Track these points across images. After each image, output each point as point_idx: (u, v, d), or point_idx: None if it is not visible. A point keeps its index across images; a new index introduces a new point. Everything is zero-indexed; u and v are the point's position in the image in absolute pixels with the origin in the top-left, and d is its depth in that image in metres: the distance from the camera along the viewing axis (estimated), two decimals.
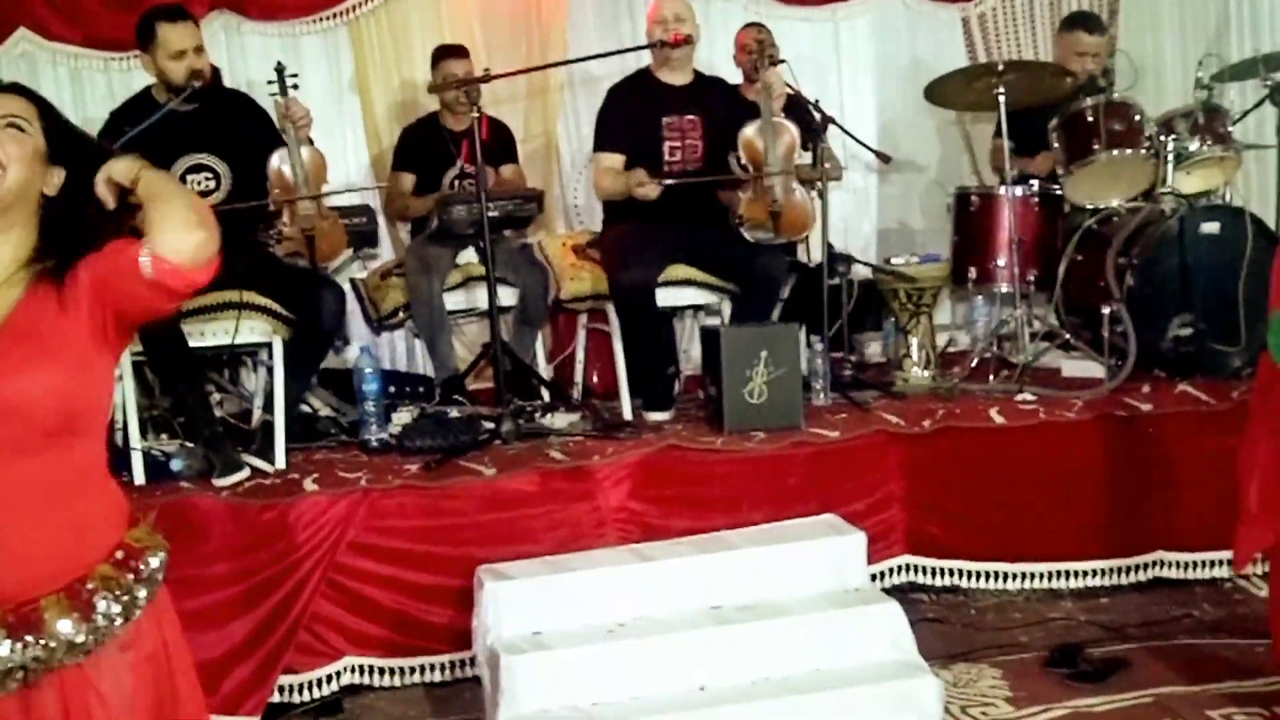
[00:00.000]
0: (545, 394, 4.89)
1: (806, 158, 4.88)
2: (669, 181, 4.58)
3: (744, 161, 4.69)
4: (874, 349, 5.72)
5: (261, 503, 3.82)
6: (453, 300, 4.92)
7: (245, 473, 3.98)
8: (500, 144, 5.32)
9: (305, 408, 4.71)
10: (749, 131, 4.69)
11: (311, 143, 4.36)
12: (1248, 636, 3.92)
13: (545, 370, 5.21)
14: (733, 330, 4.39)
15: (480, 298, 4.73)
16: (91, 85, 5.52)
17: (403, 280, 4.94)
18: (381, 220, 5.48)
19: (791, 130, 4.74)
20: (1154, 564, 4.37)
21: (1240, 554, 3.49)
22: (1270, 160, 5.40)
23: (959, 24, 6.43)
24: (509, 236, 5.17)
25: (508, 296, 4.97)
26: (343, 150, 5.81)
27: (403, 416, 4.58)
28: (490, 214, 4.54)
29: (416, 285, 4.87)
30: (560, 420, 4.47)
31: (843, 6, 6.31)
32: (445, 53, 5.18)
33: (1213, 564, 4.34)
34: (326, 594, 3.82)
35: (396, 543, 3.87)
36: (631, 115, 4.82)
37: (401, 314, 5.03)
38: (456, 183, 5.23)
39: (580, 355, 5.25)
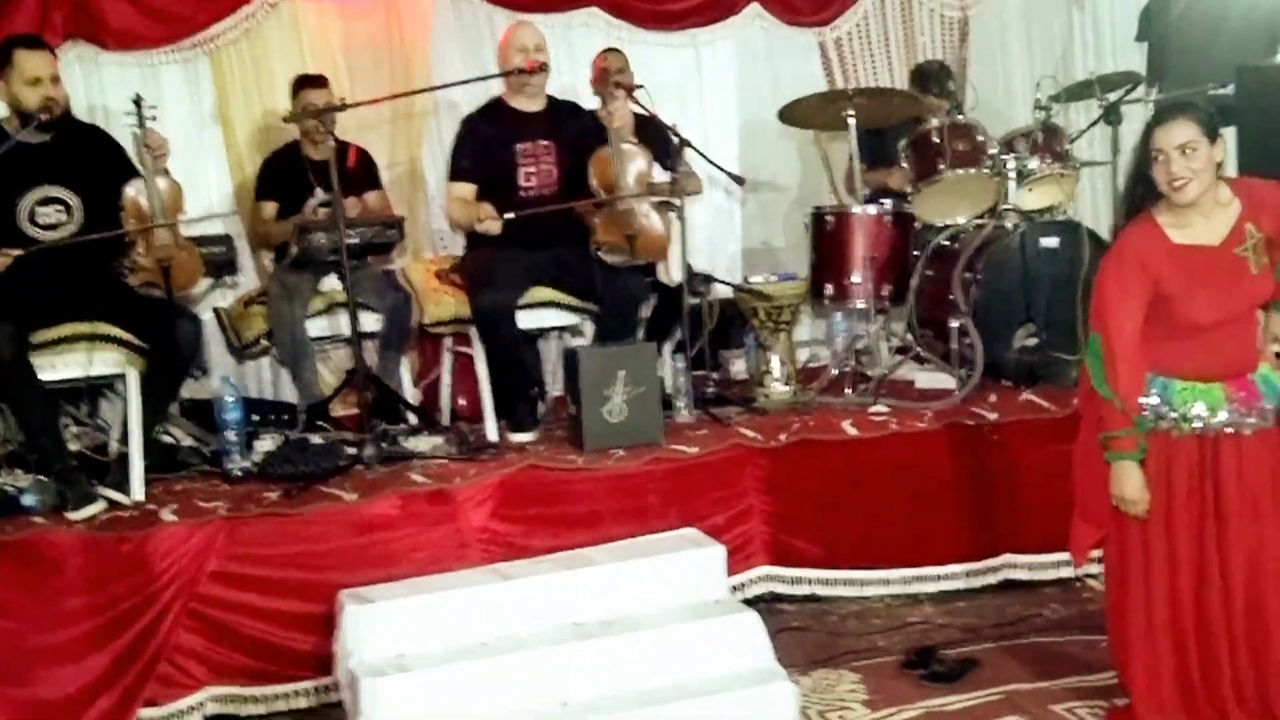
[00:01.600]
0: (411, 418, 4.91)
1: (664, 176, 4.98)
2: (509, 216, 4.63)
3: (596, 186, 4.77)
4: (738, 366, 5.84)
5: (118, 535, 3.80)
6: (316, 327, 4.92)
7: (100, 505, 3.95)
8: (363, 171, 5.33)
9: (168, 438, 4.67)
10: (600, 157, 4.77)
11: (168, 173, 4.33)
12: (1092, 632, 4.06)
13: (412, 394, 5.22)
14: (591, 351, 4.48)
15: (344, 324, 4.73)
16: None
17: (265, 308, 4.93)
18: (245, 249, 5.46)
19: (642, 154, 4.84)
20: (1004, 566, 4.53)
21: (1076, 552, 3.63)
22: (1105, 177, 5.66)
23: (816, 48, 6.59)
24: (372, 262, 5.19)
25: (372, 322, 4.98)
26: (205, 180, 5.75)
27: (265, 444, 4.57)
28: (350, 241, 4.57)
29: (278, 312, 4.86)
30: (424, 443, 4.50)
31: (703, 32, 6.41)
32: (304, 83, 5.18)
33: (1058, 564, 4.51)
34: (187, 624, 3.82)
35: (258, 570, 3.88)
36: (485, 144, 4.88)
37: (264, 341, 5.00)
38: (319, 209, 5.22)
39: (446, 379, 5.27)
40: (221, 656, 3.85)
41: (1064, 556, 4.40)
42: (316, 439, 4.53)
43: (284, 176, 5.24)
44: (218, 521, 3.87)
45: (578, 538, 4.10)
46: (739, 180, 5.00)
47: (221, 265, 4.73)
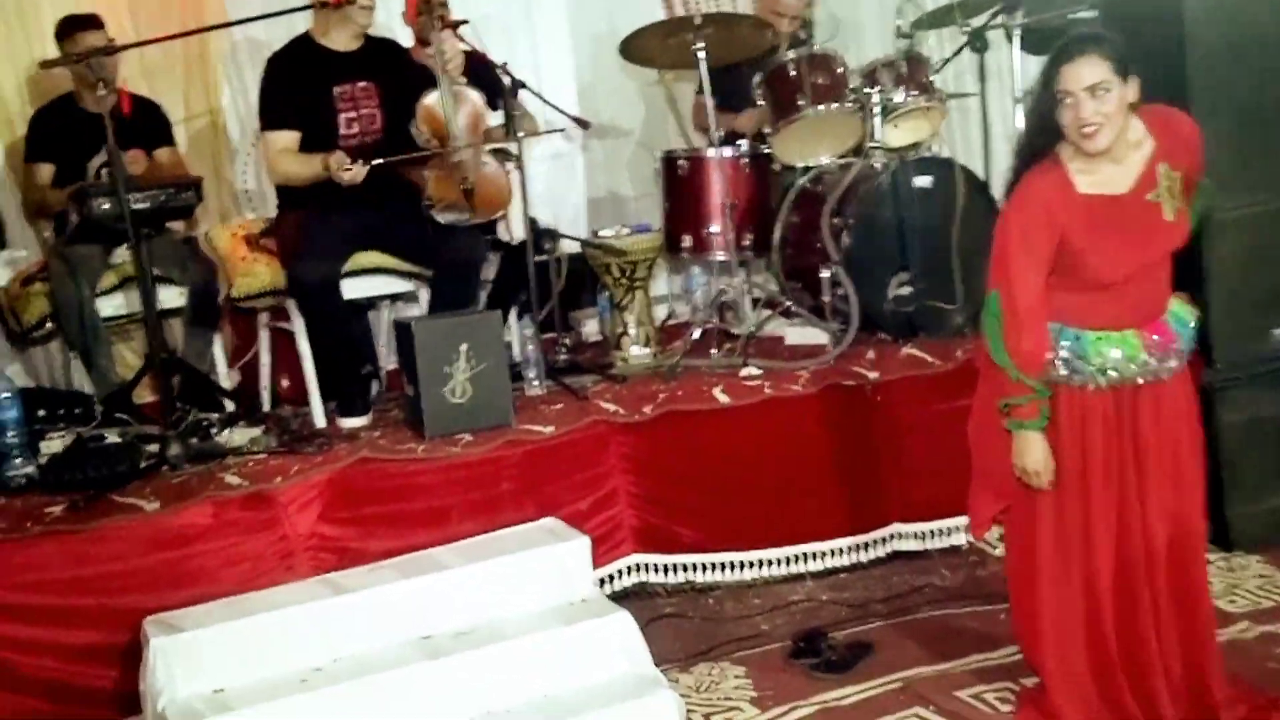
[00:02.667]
0: (228, 405, 4.32)
1: (498, 119, 4.46)
2: (377, 161, 4.06)
3: (426, 136, 4.21)
4: (590, 328, 5.38)
5: None
6: (111, 305, 4.33)
7: None
8: (149, 124, 4.69)
9: None
10: (428, 102, 4.22)
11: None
12: (989, 601, 3.79)
13: (227, 378, 4.63)
14: (426, 322, 3.92)
15: None
16: None
17: (47, 286, 4.28)
18: (19, 219, 4.77)
19: (474, 98, 4.31)
20: (891, 537, 4.18)
21: (976, 524, 3.31)
22: (973, 109, 5.32)
23: None
24: (172, 229, 4.57)
25: (174, 297, 4.40)
26: None
27: (53, 445, 3.95)
28: (137, 206, 3.97)
29: (62, 291, 4.24)
30: (239, 436, 3.93)
31: None
32: (72, 24, 4.47)
33: (949, 531, 4.20)
34: None
35: (43, 599, 3.29)
36: (298, 86, 4.26)
37: (49, 325, 4.36)
38: (103, 171, 4.57)
39: (265, 359, 4.67)
40: (6, 702, 3.24)
41: (954, 523, 4.20)
42: (113, 436, 3.92)
43: (59, 134, 4.58)
44: None
45: (422, 538, 3.61)
46: (583, 124, 4.49)
47: None
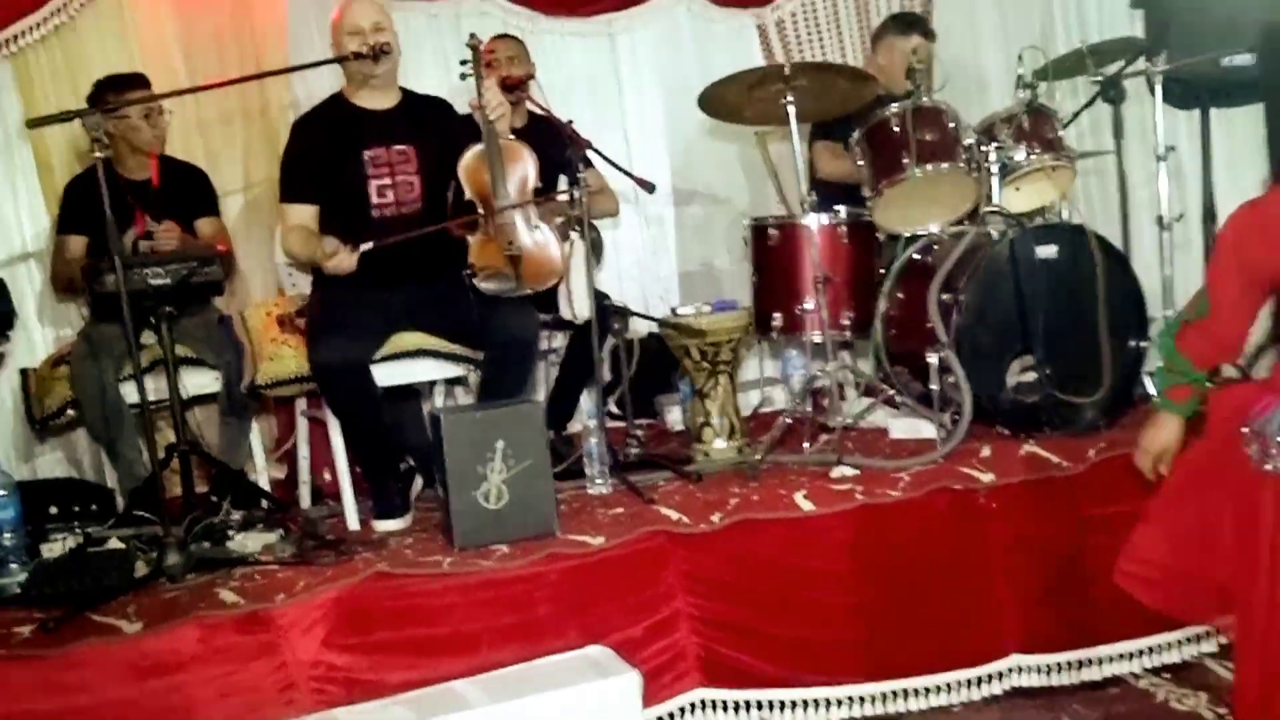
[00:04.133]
0: (261, 502, 3.88)
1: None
2: (366, 246, 3.61)
3: (468, 196, 3.75)
4: (676, 415, 4.84)
5: None
6: (135, 390, 3.89)
7: None
8: (188, 193, 4.32)
9: None
10: (469, 157, 3.76)
11: None
12: None
13: (266, 471, 4.20)
14: (457, 415, 3.40)
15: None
16: None
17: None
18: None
19: (525, 154, 3.83)
20: (1009, 671, 3.50)
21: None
22: (1109, 169, 4.68)
23: (755, 33, 5.62)
24: (211, 307, 4.19)
25: (210, 382, 4.00)
26: (14, 211, 4.74)
27: (54, 549, 3.54)
28: (157, 282, 3.59)
29: (81, 374, 3.89)
30: (254, 541, 3.46)
31: (619, 17, 5.44)
32: (109, 85, 4.13)
33: (1079, 665, 3.51)
34: None
35: None
36: (324, 153, 3.83)
37: (70, 411, 3.99)
38: (139, 244, 4.21)
39: (304, 450, 4.23)
40: None
41: (1088, 654, 3.49)
42: (115, 543, 3.48)
43: (93, 203, 4.20)
44: None
45: (446, 667, 3.07)
46: (648, 187, 3.97)
47: None
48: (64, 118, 3.32)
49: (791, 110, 4.03)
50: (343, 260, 3.65)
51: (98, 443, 4.06)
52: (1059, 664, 3.52)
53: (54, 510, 3.87)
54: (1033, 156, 4.15)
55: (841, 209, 4.21)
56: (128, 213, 4.18)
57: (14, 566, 3.40)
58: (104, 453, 4.04)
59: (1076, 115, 4.51)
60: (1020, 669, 3.51)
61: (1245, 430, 2.53)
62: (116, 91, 4.09)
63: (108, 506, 3.99)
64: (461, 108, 4.00)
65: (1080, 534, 3.50)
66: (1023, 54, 4.26)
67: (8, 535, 3.41)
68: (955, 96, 4.45)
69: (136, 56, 4.73)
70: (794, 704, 3.38)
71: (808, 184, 4.15)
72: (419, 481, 3.93)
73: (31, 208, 4.73)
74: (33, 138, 4.65)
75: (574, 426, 4.66)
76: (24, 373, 4.30)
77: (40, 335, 4.75)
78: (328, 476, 4.23)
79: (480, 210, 3.75)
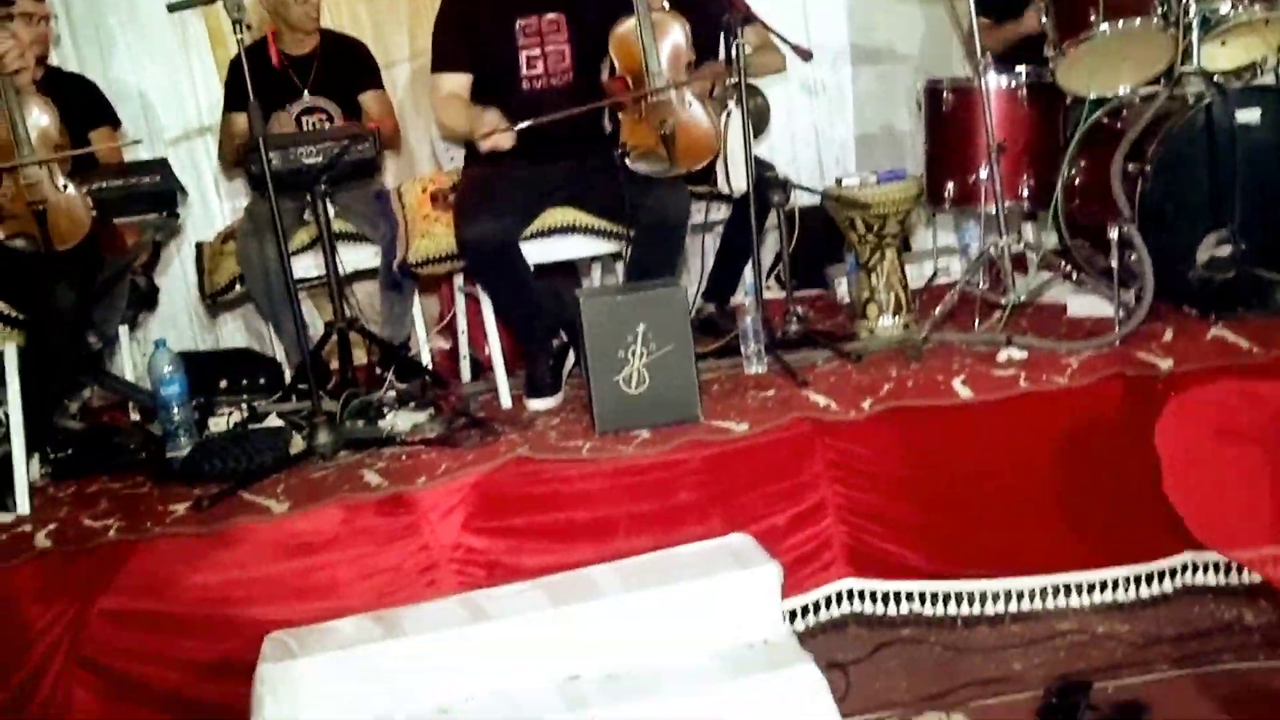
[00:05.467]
0: (422, 378, 3.93)
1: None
2: (524, 125, 3.50)
3: (619, 71, 3.61)
4: (845, 288, 4.67)
5: None
6: (300, 266, 3.96)
7: None
8: (349, 68, 4.31)
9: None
10: (621, 31, 3.62)
11: (37, 89, 3.36)
12: None
13: (430, 343, 4.25)
14: (596, 298, 3.32)
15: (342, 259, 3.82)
16: None
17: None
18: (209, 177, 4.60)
19: (677, 26, 3.66)
20: (1182, 569, 3.29)
21: None
22: None
23: None
24: (370, 181, 4.20)
25: (370, 257, 4.03)
26: (191, 86, 4.84)
27: (220, 423, 3.65)
28: (309, 161, 3.62)
29: (245, 251, 3.99)
30: (403, 420, 3.49)
31: None
32: None
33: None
34: (79, 677, 2.93)
35: (161, 606, 2.96)
36: (475, 20, 3.73)
37: (238, 286, 4.09)
38: (303, 119, 4.24)
39: (461, 325, 4.25)
40: (126, 715, 2.95)
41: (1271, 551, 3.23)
42: (274, 419, 3.57)
43: (257, 80, 4.25)
44: (105, 547, 2.96)
45: (583, 552, 3.06)
46: (805, 54, 3.74)
47: (155, 198, 3.72)
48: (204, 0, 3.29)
49: None
50: (500, 139, 3.58)
51: (264, 318, 4.16)
52: (1236, 563, 3.29)
53: (224, 383, 3.98)
54: (1240, 8, 3.75)
55: (1022, 69, 3.94)
56: (289, 88, 4.22)
57: (182, 439, 3.53)
58: (270, 327, 4.14)
59: None
60: (1192, 566, 3.29)
61: None
62: None
63: (276, 379, 4.09)
64: None
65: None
66: None
67: (176, 409, 3.54)
68: None
69: None
70: (946, 596, 3.26)
71: (981, 45, 3.85)
72: (572, 359, 3.88)
73: (207, 81, 4.82)
74: (205, 12, 4.68)
75: (738, 299, 4.54)
76: (199, 246, 4.42)
77: (219, 208, 4.86)
78: (486, 351, 4.24)
79: (632, 86, 3.61)
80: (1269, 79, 3.86)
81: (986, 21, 4.37)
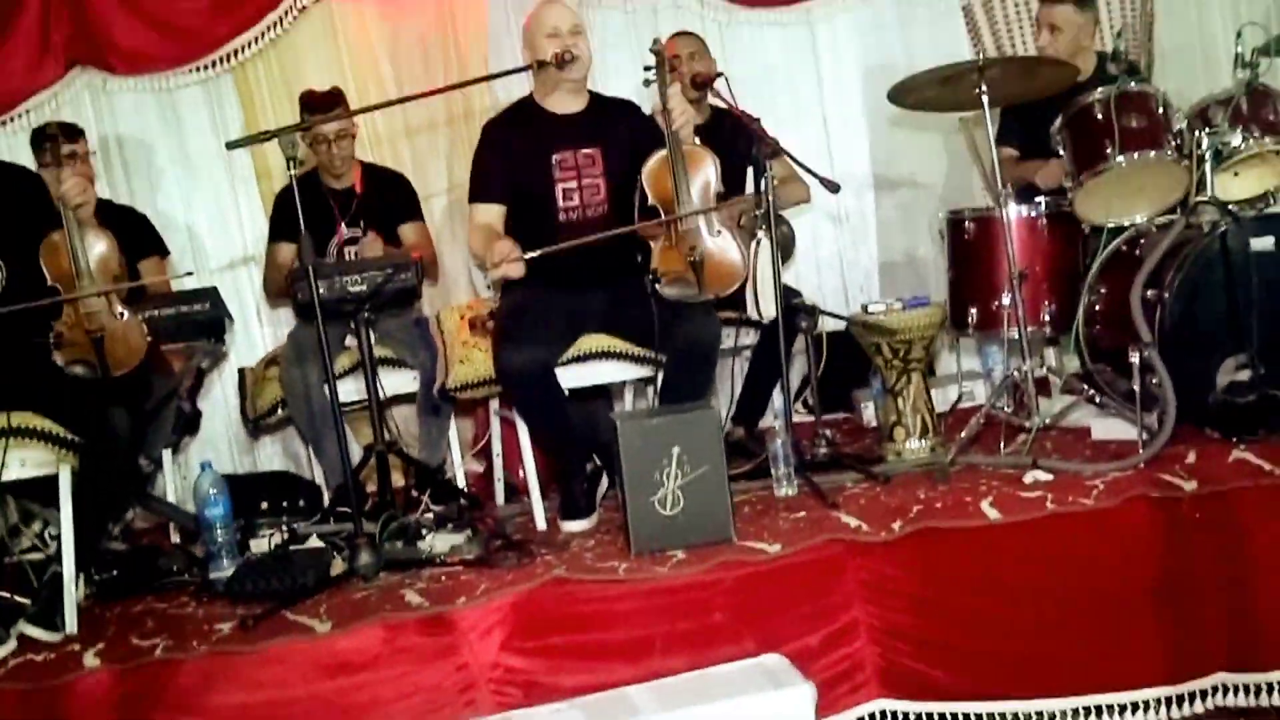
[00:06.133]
0: (457, 501, 4.00)
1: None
2: (532, 255, 3.63)
3: (651, 201, 3.76)
4: (871, 410, 4.75)
5: (23, 687, 2.98)
6: (344, 390, 4.07)
7: (9, 646, 3.15)
8: (389, 199, 4.47)
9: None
10: (653, 164, 3.77)
11: (98, 224, 3.51)
12: None
13: (464, 466, 4.33)
14: (632, 421, 3.42)
15: (382, 384, 3.92)
16: None
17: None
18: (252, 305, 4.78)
19: (708, 159, 3.81)
20: (1214, 690, 3.31)
21: None
22: None
23: (959, 14, 5.43)
24: (410, 308, 4.33)
25: (408, 382, 4.14)
26: (237, 217, 5.02)
27: (261, 544, 3.73)
28: (355, 288, 3.75)
29: (289, 376, 4.10)
30: (441, 542, 3.56)
31: (818, 5, 5.35)
32: (309, 102, 4.31)
33: None
34: None
35: None
36: (512, 155, 3.90)
37: (281, 411, 4.20)
38: (346, 250, 4.39)
39: (496, 449, 4.34)
40: None
41: None
42: (314, 540, 3.65)
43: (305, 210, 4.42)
44: (153, 666, 3.02)
45: (620, 672, 3.10)
46: (832, 187, 3.85)
47: (203, 326, 3.85)
48: (260, 139, 3.46)
49: (985, 100, 3.88)
50: (510, 269, 3.68)
51: (305, 441, 4.27)
52: (1270, 684, 3.30)
53: (264, 505, 4.06)
54: (1251, 140, 3.88)
55: (1041, 200, 4.09)
56: (331, 220, 4.38)
57: (225, 561, 3.61)
58: (310, 450, 4.24)
59: None
60: (1226, 688, 3.31)
61: None
62: (312, 110, 4.26)
63: (315, 501, 4.17)
64: (650, 108, 4.02)
65: None
66: (1242, 30, 3.99)
67: (220, 531, 3.62)
68: (1180, 77, 4.21)
69: (347, 65, 4.96)
70: (979, 718, 3.27)
71: (1002, 178, 3.99)
72: (605, 481, 3.96)
73: (252, 213, 5.00)
74: (254, 148, 4.88)
75: (767, 423, 4.63)
76: (241, 372, 4.54)
77: (260, 334, 5.01)
78: (521, 474, 4.32)
79: (663, 216, 3.76)
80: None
81: (1012, 153, 4.52)
